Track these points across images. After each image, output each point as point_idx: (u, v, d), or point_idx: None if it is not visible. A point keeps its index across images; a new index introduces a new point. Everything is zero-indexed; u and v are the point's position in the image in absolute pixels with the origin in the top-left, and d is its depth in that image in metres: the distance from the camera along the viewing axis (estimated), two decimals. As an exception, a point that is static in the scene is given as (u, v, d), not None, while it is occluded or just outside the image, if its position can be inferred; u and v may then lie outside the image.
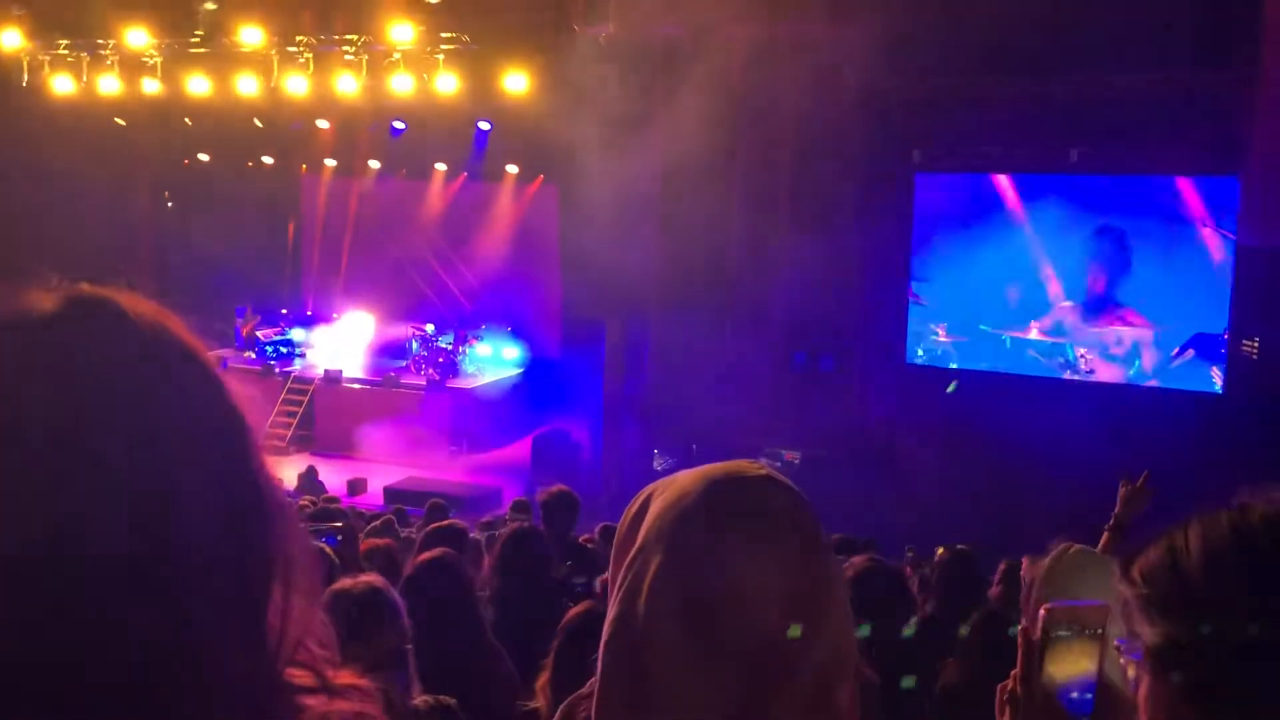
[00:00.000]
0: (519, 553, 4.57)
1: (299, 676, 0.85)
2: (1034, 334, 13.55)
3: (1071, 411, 12.13)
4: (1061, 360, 13.45)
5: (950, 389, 13.34)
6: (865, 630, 2.95)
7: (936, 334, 14.08)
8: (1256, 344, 11.79)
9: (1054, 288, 13.39)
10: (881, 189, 13.86)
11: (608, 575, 1.16)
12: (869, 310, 14.21)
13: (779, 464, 13.85)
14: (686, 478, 1.07)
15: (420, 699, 2.82)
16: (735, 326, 14.50)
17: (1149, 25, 11.60)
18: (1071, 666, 1.15)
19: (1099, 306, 13.27)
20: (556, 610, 3.73)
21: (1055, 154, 13.03)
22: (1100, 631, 1.15)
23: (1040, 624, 1.15)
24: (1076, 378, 13.35)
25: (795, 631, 0.97)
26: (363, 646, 2.65)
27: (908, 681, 3.04)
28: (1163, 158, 12.58)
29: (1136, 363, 13.12)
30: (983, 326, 13.81)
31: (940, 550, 5.99)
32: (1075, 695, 1.15)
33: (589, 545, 6.58)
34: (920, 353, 14.24)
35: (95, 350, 0.79)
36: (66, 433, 0.75)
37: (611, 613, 1.03)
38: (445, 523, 5.99)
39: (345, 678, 0.89)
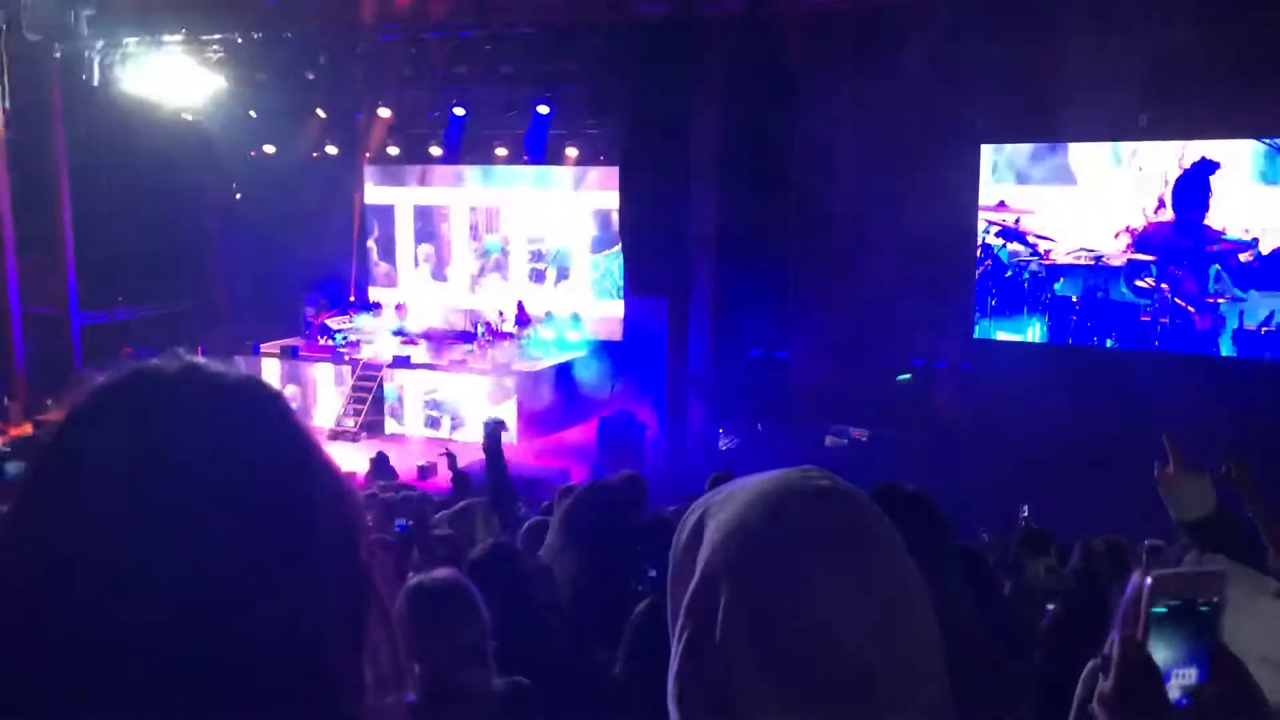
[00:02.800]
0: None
1: None
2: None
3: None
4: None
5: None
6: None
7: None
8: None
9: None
10: (946, 159, 13.68)
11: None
12: (934, 281, 14.02)
13: (846, 441, 13.75)
14: (743, 496, 0.99)
15: (497, 682, 2.83)
16: (797, 303, 14.42)
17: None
18: (1182, 641, 1.03)
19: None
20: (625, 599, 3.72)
21: (1123, 120, 12.77)
22: (1216, 600, 1.03)
23: (1145, 595, 1.03)
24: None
25: (881, 642, 0.91)
26: (442, 641, 2.66)
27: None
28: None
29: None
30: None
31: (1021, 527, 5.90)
32: (1186, 671, 1.04)
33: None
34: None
35: (273, 426, 0.84)
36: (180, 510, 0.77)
37: (680, 640, 0.97)
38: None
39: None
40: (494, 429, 6.29)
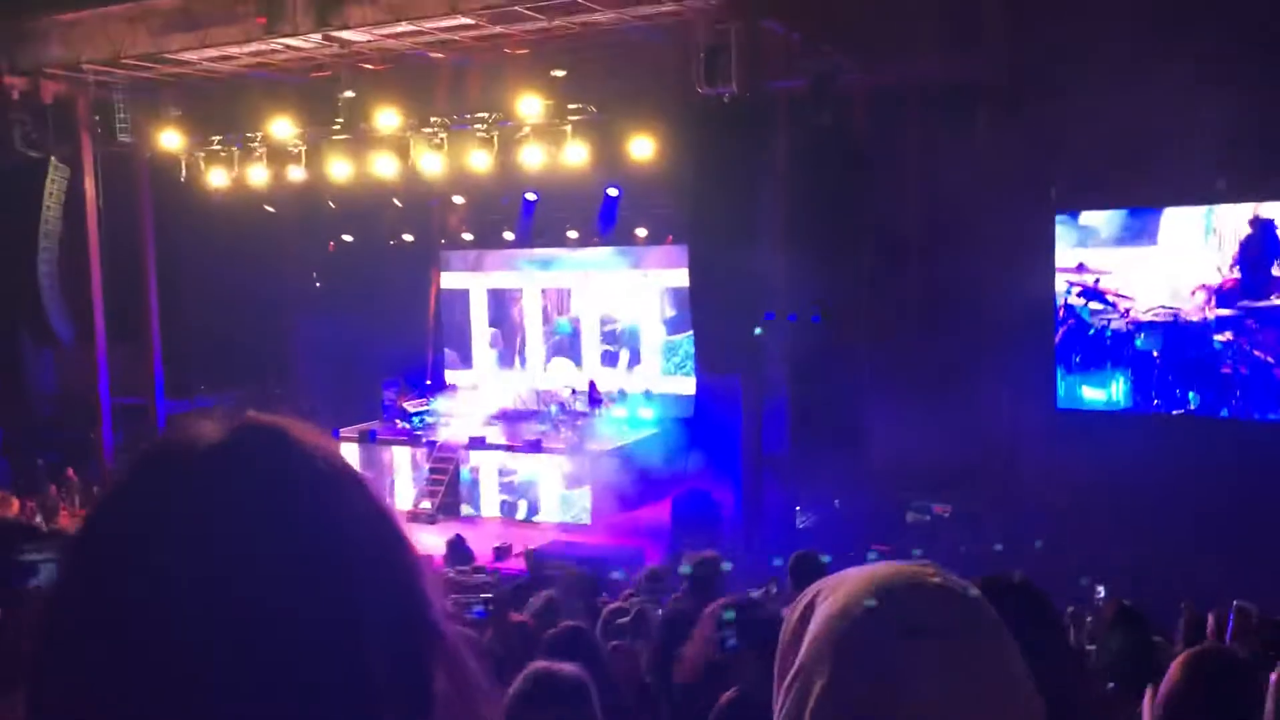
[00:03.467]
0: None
1: None
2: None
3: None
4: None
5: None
6: None
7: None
8: None
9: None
10: (1018, 229, 13.52)
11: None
12: (1014, 350, 13.79)
13: (928, 517, 13.46)
14: (854, 583, 0.97)
15: None
16: (873, 375, 14.25)
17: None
18: None
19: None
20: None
21: (1201, 182, 12.53)
22: None
23: (1273, 690, 1.05)
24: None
25: None
26: None
27: None
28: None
29: None
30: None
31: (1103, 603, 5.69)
32: None
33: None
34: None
35: (260, 476, 0.80)
36: (241, 567, 0.75)
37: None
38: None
39: None
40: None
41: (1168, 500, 11.42)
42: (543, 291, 19.69)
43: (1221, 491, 11.26)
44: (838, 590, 0.97)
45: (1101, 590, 8.09)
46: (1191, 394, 13.65)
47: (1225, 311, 13.33)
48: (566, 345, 19.45)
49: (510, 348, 20.11)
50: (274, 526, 0.77)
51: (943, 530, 13.13)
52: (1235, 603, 5.18)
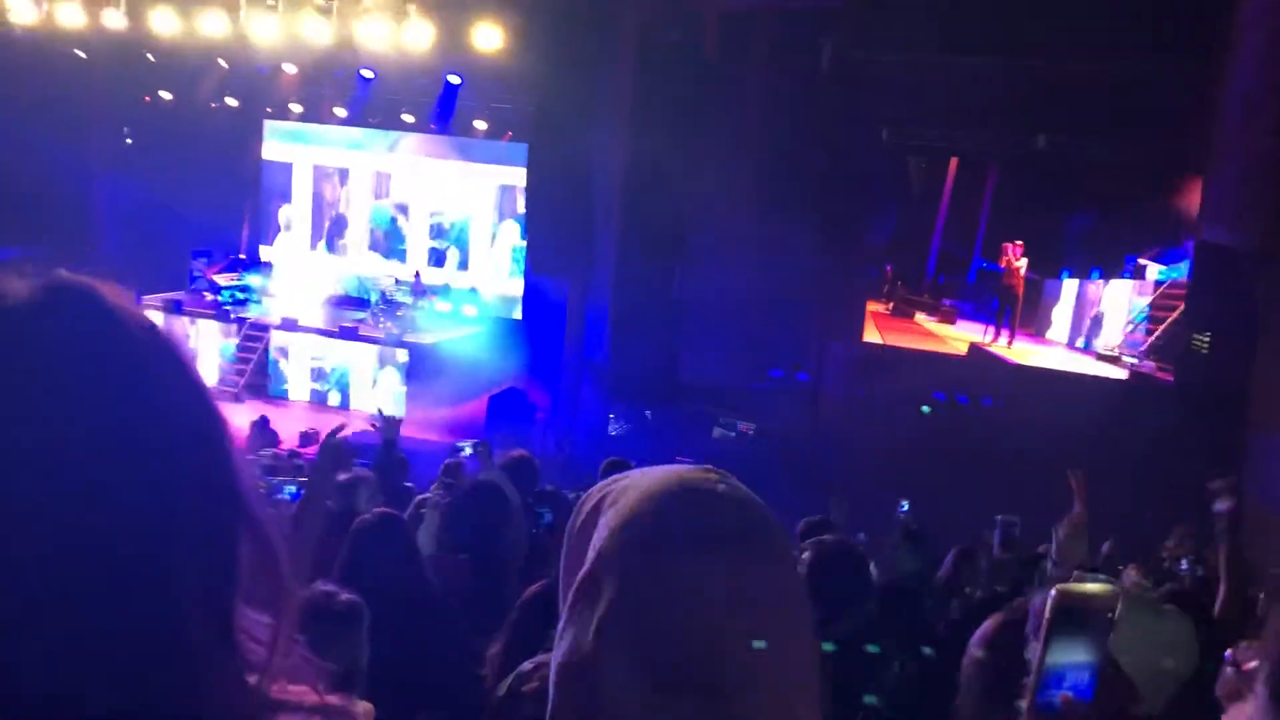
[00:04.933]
0: (475, 516, 4.50)
1: (283, 692, 0.84)
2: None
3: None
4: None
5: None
6: (829, 646, 2.96)
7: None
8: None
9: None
10: (847, 166, 13.92)
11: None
12: (829, 288, 14.31)
13: (734, 434, 13.95)
14: (638, 491, 0.96)
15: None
16: (693, 292, 14.53)
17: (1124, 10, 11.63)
18: (1078, 649, 1.15)
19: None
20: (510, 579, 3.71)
21: (1022, 139, 13.17)
22: (1110, 616, 1.15)
23: (1050, 606, 1.15)
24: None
25: (756, 650, 0.90)
26: (331, 661, 2.58)
27: (870, 698, 2.97)
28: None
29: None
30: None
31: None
32: (1077, 677, 1.16)
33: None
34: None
35: (74, 339, 0.77)
36: (47, 424, 0.74)
37: (563, 636, 0.95)
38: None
39: (322, 697, 0.87)
40: (390, 425, 6.30)
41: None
42: (375, 174, 19.04)
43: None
44: (625, 495, 0.97)
45: (905, 505, 8.61)
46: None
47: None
48: (384, 235, 18.94)
49: (335, 229, 19.48)
50: (88, 390, 0.76)
51: (747, 447, 13.63)
52: (1000, 518, 5.66)
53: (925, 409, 13.96)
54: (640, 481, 0.98)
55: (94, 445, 0.74)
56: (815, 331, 14.49)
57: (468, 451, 6.67)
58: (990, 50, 12.26)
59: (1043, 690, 1.17)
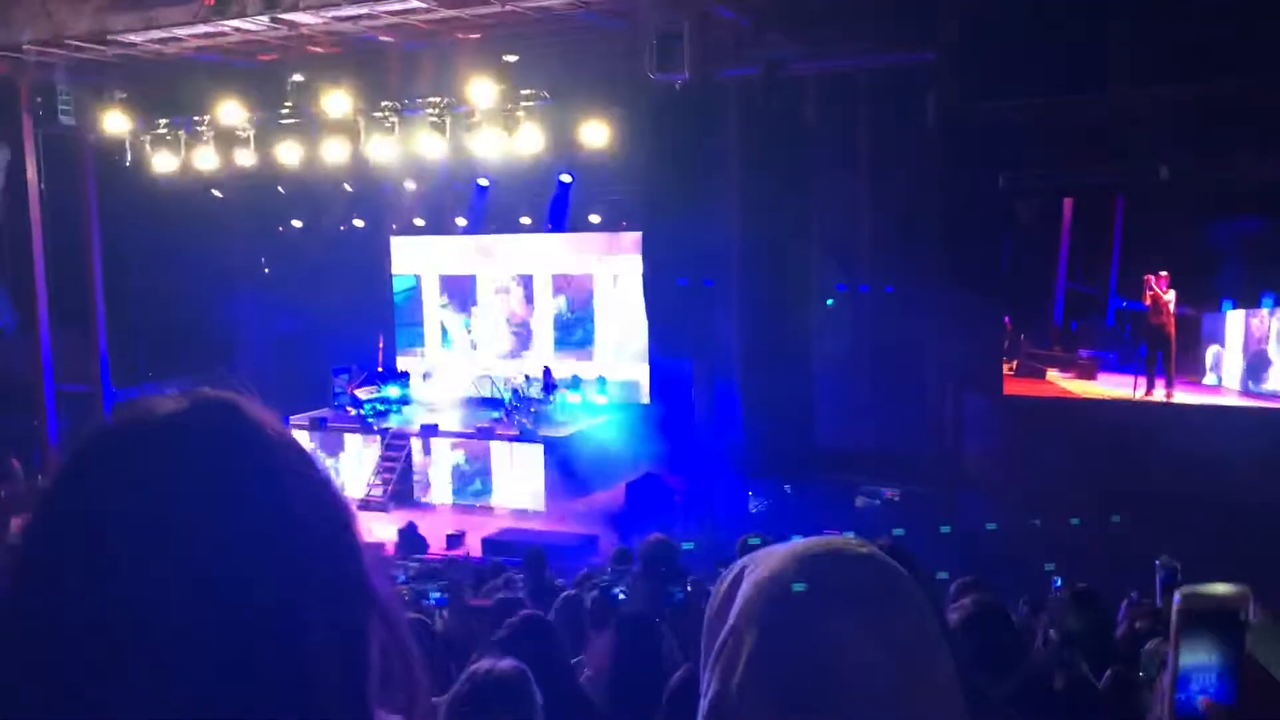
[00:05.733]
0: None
1: None
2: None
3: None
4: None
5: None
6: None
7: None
8: None
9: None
10: (968, 218, 13.66)
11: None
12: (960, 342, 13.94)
13: (878, 501, 13.62)
14: (781, 553, 1.01)
15: None
16: (823, 365, 14.37)
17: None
18: (1209, 651, 1.12)
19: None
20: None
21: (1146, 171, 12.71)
22: (1243, 617, 1.12)
23: (1175, 610, 1.12)
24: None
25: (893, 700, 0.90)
26: None
27: None
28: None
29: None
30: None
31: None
32: (1210, 680, 1.12)
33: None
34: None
35: (214, 451, 0.81)
36: (187, 533, 0.77)
37: (706, 693, 0.97)
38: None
39: None
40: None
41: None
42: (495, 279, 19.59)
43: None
44: (766, 560, 1.01)
45: (1059, 581, 8.19)
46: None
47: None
48: (524, 335, 19.41)
49: (464, 335, 20.03)
50: (226, 495, 0.79)
51: (892, 514, 13.28)
52: (1158, 561, 5.37)
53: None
54: (781, 548, 1.03)
55: (232, 547, 0.78)
56: (950, 388, 14.10)
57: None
58: (1099, 82, 11.98)
59: (1180, 693, 1.12)
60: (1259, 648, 1.14)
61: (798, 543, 1.02)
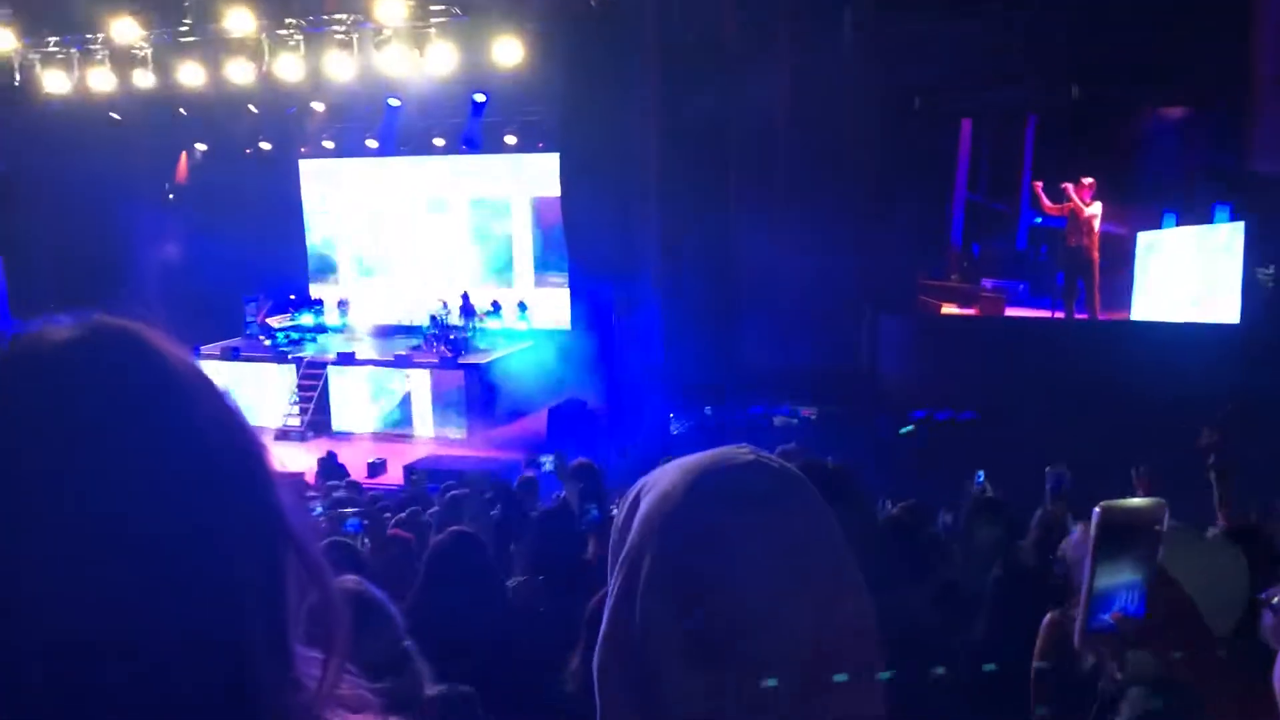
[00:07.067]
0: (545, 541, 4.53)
1: (339, 718, 0.84)
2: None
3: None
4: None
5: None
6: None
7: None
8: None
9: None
10: (883, 139, 13.73)
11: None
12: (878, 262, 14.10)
13: (796, 420, 13.83)
14: (672, 471, 1.01)
15: (434, 689, 2.72)
16: (743, 286, 14.44)
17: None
18: (1126, 566, 1.14)
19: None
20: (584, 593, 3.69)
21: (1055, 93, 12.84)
22: (1158, 529, 1.14)
23: (1094, 523, 1.14)
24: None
25: (796, 604, 0.92)
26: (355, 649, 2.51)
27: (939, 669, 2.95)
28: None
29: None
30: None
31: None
32: (1129, 595, 1.15)
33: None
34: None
35: (114, 379, 0.77)
36: (89, 465, 0.73)
37: (608, 614, 0.99)
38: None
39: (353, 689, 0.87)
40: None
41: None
42: (413, 201, 19.23)
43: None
44: (660, 479, 1.01)
45: (981, 475, 8.40)
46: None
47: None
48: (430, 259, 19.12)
49: (377, 260, 19.68)
50: (128, 427, 0.75)
51: (808, 432, 13.51)
52: (1049, 469, 5.60)
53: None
54: (674, 464, 1.02)
55: (136, 479, 0.74)
56: (868, 308, 14.28)
57: (547, 467, 6.69)
58: (1008, 5, 12.05)
59: (1095, 611, 1.16)
60: (1170, 559, 1.17)
61: (691, 457, 1.02)
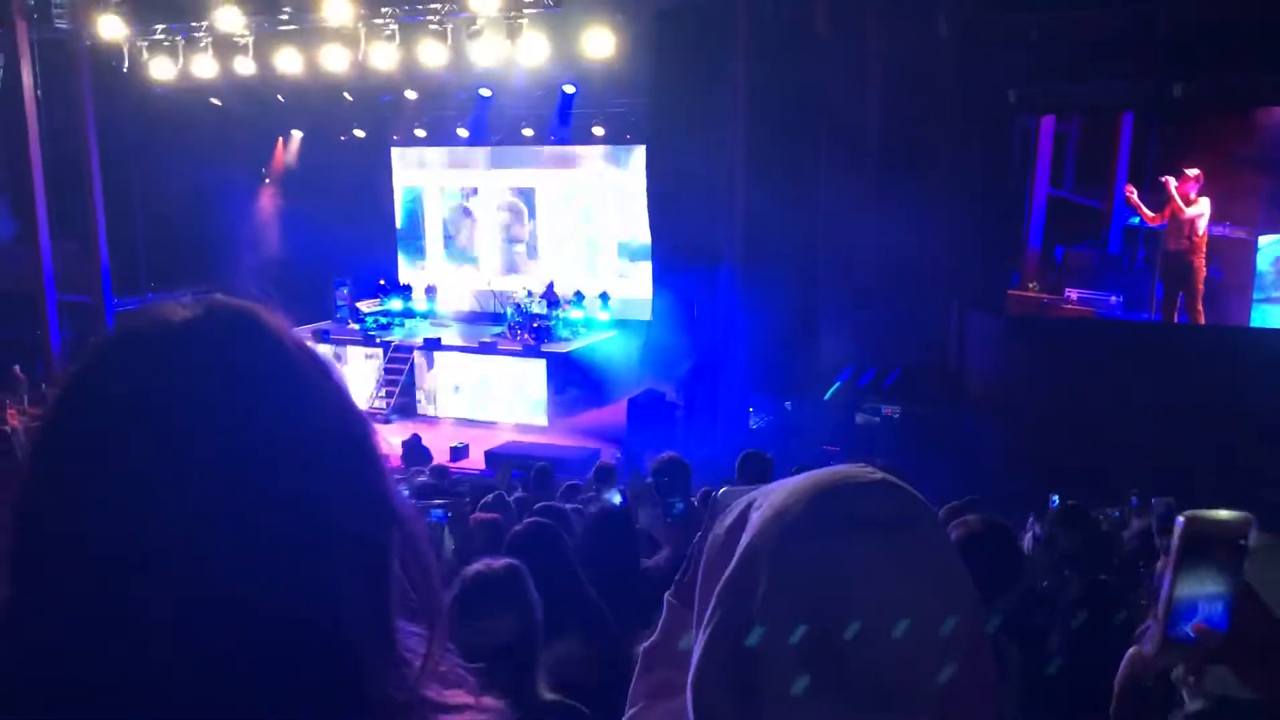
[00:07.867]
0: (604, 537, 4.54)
1: (439, 695, 0.86)
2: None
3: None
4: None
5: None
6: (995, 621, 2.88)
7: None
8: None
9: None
10: (977, 133, 13.46)
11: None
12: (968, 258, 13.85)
13: (878, 419, 13.67)
14: (790, 487, 0.97)
15: (550, 695, 2.68)
16: (827, 280, 14.30)
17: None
18: (1209, 579, 1.13)
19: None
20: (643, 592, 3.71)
21: (1158, 89, 12.45)
22: (1243, 543, 1.12)
23: (1178, 534, 1.12)
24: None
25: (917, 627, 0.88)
26: (494, 628, 2.56)
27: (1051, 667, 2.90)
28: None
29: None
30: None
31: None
32: (1211, 608, 1.13)
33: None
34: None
35: (232, 358, 0.79)
36: (207, 442, 0.75)
37: (708, 624, 0.95)
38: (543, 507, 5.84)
39: (476, 699, 0.89)
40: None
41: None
42: (502, 191, 19.45)
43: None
44: (772, 495, 0.97)
45: (1055, 499, 8.18)
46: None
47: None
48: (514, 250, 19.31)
49: (465, 247, 19.94)
50: (246, 405, 0.77)
51: (891, 431, 13.34)
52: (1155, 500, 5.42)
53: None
54: (788, 482, 0.98)
55: (252, 459, 0.76)
56: (955, 306, 14.04)
57: (615, 499, 6.58)
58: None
59: (1174, 621, 1.14)
60: (1256, 574, 1.15)
61: (804, 475, 0.98)
